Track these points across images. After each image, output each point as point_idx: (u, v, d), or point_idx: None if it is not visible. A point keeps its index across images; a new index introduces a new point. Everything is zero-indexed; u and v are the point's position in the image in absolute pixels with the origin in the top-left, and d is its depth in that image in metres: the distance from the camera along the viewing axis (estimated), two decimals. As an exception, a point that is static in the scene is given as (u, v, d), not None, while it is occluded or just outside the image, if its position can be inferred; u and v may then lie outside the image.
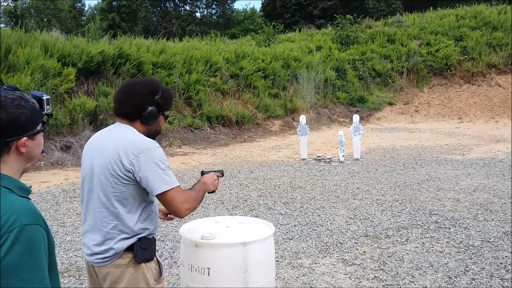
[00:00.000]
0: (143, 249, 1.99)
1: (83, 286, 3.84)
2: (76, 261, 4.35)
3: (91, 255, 2.02)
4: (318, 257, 4.43)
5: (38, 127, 1.44)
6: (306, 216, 5.76)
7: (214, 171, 2.33)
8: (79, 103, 10.68)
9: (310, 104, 16.17)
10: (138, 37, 15.33)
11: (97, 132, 2.20)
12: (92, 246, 2.01)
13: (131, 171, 1.94)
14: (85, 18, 33.38)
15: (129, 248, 1.98)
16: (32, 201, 1.40)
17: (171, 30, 27.95)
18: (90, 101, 10.90)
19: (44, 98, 1.49)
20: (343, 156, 9.49)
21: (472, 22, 20.64)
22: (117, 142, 2.00)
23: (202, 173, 2.31)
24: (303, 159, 9.83)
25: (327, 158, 9.67)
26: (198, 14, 36.26)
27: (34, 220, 1.29)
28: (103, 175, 1.98)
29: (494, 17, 20.33)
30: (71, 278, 4.00)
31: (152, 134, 2.11)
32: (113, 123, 2.19)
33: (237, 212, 5.97)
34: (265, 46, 18.41)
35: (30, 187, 1.47)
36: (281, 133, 14.33)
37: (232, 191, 7.09)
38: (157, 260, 2.10)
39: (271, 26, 21.38)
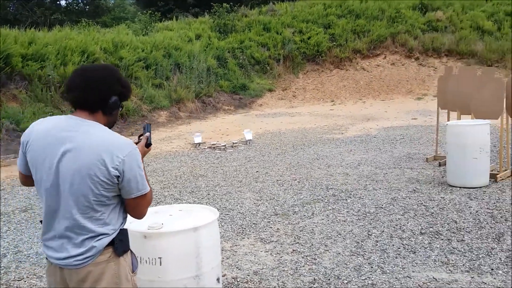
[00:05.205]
0: (121, 241, 1.94)
1: None
2: None
3: (65, 258, 1.89)
4: (237, 239, 4.59)
5: None
6: (215, 202, 5.88)
7: (141, 136, 2.26)
8: None
9: (195, 93, 16.19)
10: (3, 27, 13.86)
11: (44, 124, 1.95)
12: (68, 249, 1.89)
13: (115, 176, 1.85)
14: None
15: (109, 243, 1.92)
16: None
17: (35, 20, 25.66)
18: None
19: None
20: (236, 140, 9.79)
21: (338, 11, 22.24)
22: (96, 144, 1.85)
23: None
24: (197, 147, 9.88)
25: (222, 146, 9.86)
26: (63, 2, 33.77)
27: None
28: (81, 180, 1.84)
29: (357, 6, 22.13)
30: None
31: (111, 126, 2.01)
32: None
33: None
34: (143, 35, 17.89)
35: None
36: (168, 124, 14.15)
37: (133, 185, 6.90)
38: (131, 251, 2.06)
39: (148, 14, 20.78)
